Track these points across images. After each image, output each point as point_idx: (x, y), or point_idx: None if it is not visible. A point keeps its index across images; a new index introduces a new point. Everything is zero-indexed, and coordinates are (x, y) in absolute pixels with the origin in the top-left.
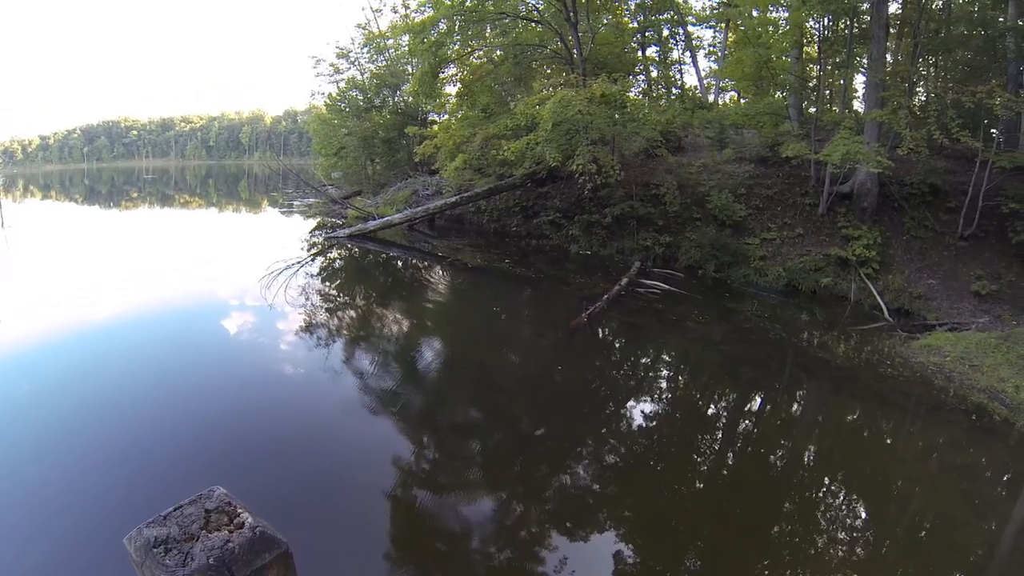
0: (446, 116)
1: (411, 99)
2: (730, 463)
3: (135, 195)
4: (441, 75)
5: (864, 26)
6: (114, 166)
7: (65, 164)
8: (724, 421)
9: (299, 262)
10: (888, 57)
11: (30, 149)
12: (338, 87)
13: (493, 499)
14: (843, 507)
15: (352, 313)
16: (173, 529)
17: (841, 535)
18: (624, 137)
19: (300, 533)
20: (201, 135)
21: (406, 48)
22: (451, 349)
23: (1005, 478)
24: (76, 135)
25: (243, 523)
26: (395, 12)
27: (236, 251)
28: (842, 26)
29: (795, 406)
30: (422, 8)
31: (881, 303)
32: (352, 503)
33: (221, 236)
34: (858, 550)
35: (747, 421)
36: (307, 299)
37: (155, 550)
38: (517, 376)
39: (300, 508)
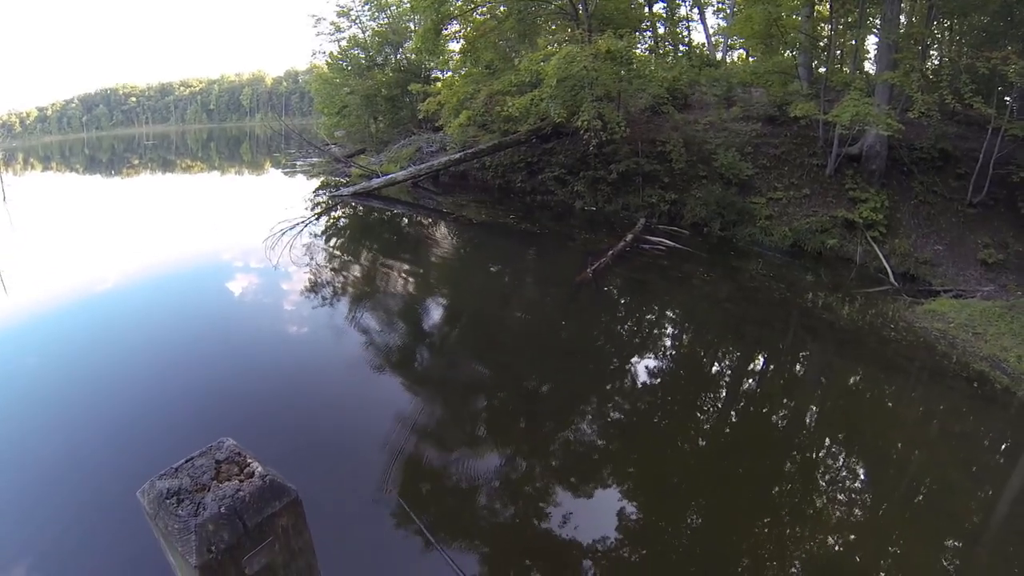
0: (449, 73)
1: (414, 56)
2: (733, 421)
3: (136, 162)
4: (444, 31)
5: None
6: (114, 134)
7: (64, 135)
8: (727, 379)
9: (303, 222)
10: (902, 18)
11: (28, 121)
12: (339, 46)
13: (498, 454)
14: (842, 469)
15: (357, 271)
16: (185, 480)
17: (840, 496)
18: (630, 94)
19: (309, 482)
20: (201, 99)
21: (408, 5)
22: (456, 305)
23: (1004, 447)
24: (74, 105)
25: (253, 472)
26: None
27: (240, 213)
28: None
29: (798, 366)
30: None
31: (887, 267)
32: (359, 454)
33: (224, 199)
34: (856, 511)
35: (750, 380)
36: (312, 258)
37: (167, 501)
38: (522, 332)
39: (309, 458)
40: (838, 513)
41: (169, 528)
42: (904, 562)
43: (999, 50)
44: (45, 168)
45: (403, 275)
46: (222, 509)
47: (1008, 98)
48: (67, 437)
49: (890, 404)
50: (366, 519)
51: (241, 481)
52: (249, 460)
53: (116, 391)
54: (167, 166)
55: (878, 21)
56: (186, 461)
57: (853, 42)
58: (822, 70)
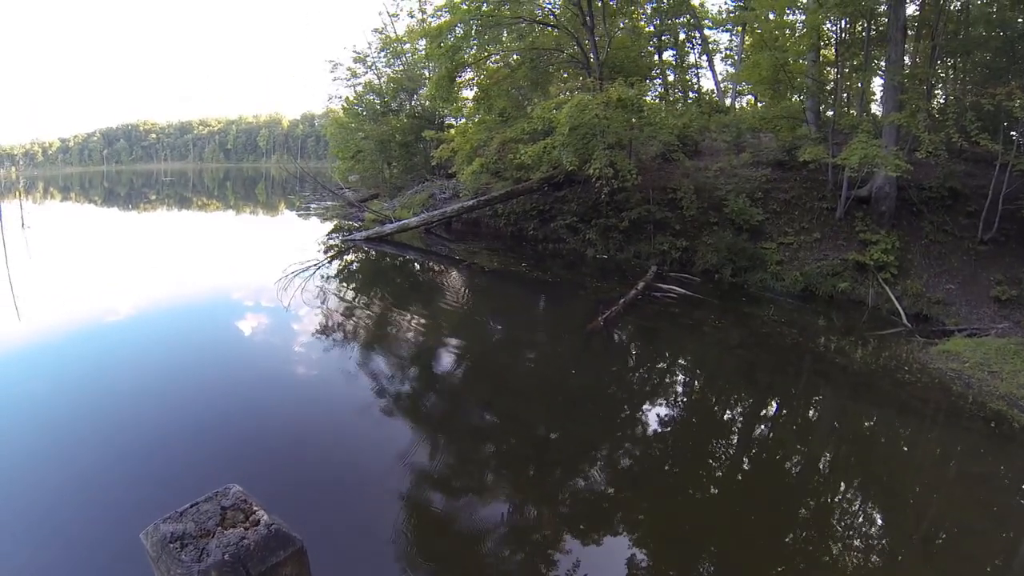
0: (463, 120)
1: (428, 103)
2: (746, 469)
3: (153, 197)
4: (458, 79)
5: (882, 28)
6: (133, 168)
7: (85, 167)
8: (740, 426)
9: (316, 264)
10: (906, 59)
11: (50, 151)
12: (355, 91)
13: (507, 502)
14: (859, 514)
15: (368, 316)
16: (189, 525)
17: (857, 543)
18: (641, 141)
19: (315, 531)
20: (219, 138)
21: (423, 52)
22: (466, 352)
23: (1023, 487)
24: (96, 138)
25: (258, 520)
26: (412, 17)
27: (253, 253)
28: (859, 28)
29: (812, 412)
30: (439, 13)
31: (899, 308)
32: (367, 503)
33: (239, 238)
34: (873, 558)
35: (763, 427)
36: (323, 301)
37: (171, 545)
38: (533, 380)
39: (316, 507)
40: (855, 560)
41: (172, 573)
42: None
43: (1003, 86)
44: (64, 198)
45: (414, 321)
46: (226, 556)
47: (1014, 133)
48: (72, 474)
49: (906, 448)
50: (373, 567)
51: (246, 529)
52: (255, 508)
53: (123, 428)
54: (183, 203)
55: (883, 63)
56: (191, 506)
57: (859, 85)
58: (829, 113)
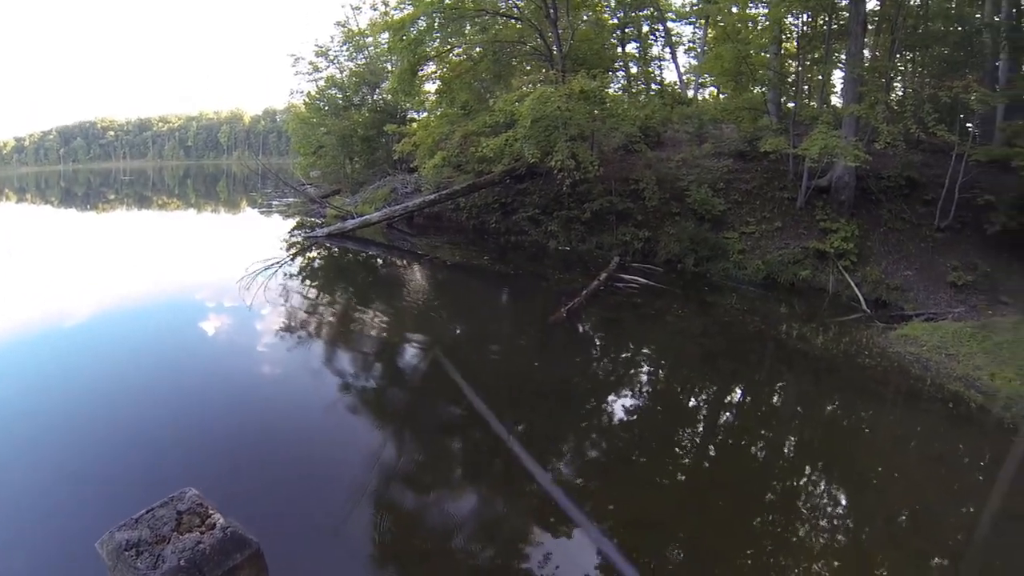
0: (425, 114)
1: (390, 97)
2: (713, 455)
3: (112, 197)
4: (420, 72)
5: (843, 22)
6: (91, 167)
7: (41, 166)
8: (706, 414)
9: (278, 262)
10: (866, 53)
11: (5, 151)
12: (317, 85)
13: (476, 497)
14: (823, 496)
15: (331, 312)
16: (144, 532)
17: (822, 524)
18: (603, 133)
19: (278, 534)
20: (179, 135)
21: (385, 46)
22: (430, 347)
23: (981, 464)
24: (52, 136)
25: (214, 524)
26: (374, 10)
27: (215, 252)
28: (821, 22)
29: (775, 397)
30: (401, 6)
31: (859, 294)
32: (333, 503)
33: (200, 237)
34: (839, 538)
35: (728, 413)
36: (286, 299)
37: (126, 553)
38: (497, 373)
39: (278, 509)
40: (821, 540)
41: None
42: None
43: (960, 79)
44: (20, 199)
45: (376, 317)
46: (181, 562)
47: (970, 125)
48: (27, 481)
49: (867, 429)
50: (340, 568)
51: (202, 533)
52: (211, 511)
53: (79, 434)
54: (143, 202)
55: (843, 56)
56: (147, 511)
57: (820, 77)
58: (791, 105)
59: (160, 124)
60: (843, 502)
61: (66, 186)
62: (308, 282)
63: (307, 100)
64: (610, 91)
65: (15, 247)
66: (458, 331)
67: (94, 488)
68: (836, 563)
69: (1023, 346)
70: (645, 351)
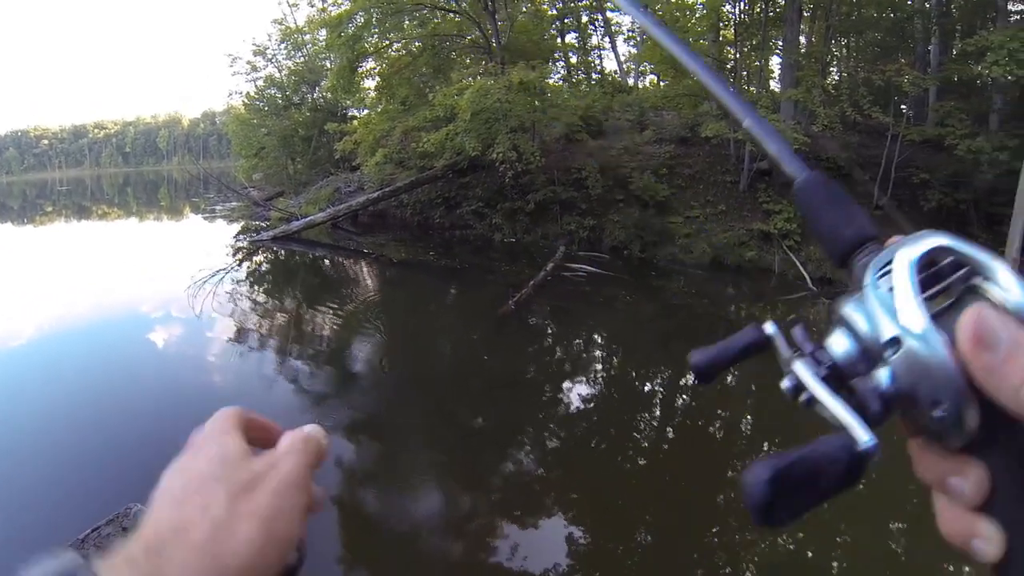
0: (366, 111)
1: (330, 95)
2: (671, 437)
3: (50, 209)
4: (359, 69)
5: (779, 10)
6: (25, 179)
7: None
8: (661, 397)
9: (224, 269)
10: (802, 39)
11: None
12: (256, 85)
13: (438, 494)
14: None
15: (280, 317)
16: (91, 550)
17: None
18: (544, 124)
19: None
20: (116, 141)
21: (323, 43)
22: (380, 346)
23: None
24: None
25: None
26: (311, 6)
27: (160, 262)
28: (758, 10)
29: (728, 377)
30: (339, 2)
31: (804, 273)
32: None
33: (143, 247)
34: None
35: (683, 395)
36: (235, 306)
37: None
38: (450, 368)
39: None
40: None
41: None
42: (853, 550)
43: (893, 63)
44: None
45: (326, 319)
46: None
47: (904, 106)
48: None
49: None
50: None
51: None
52: None
53: (18, 456)
54: (83, 213)
55: (780, 43)
56: (92, 530)
57: (758, 63)
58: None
59: (96, 131)
60: None
61: (0, 199)
62: (256, 287)
63: (246, 101)
64: (550, 82)
65: None
66: (407, 328)
67: (37, 510)
68: (799, 535)
69: None
70: (596, 338)
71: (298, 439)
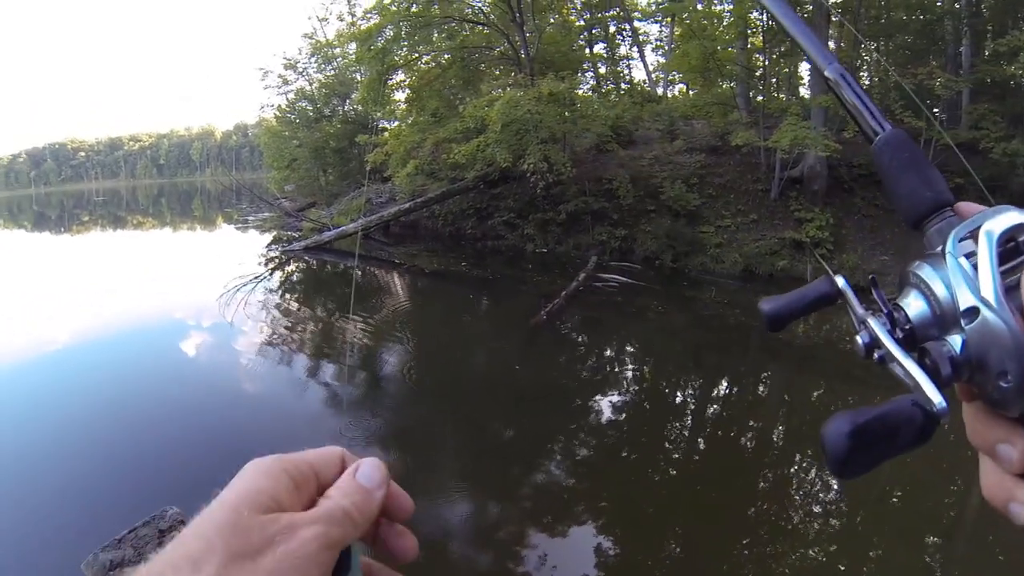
0: (396, 123)
1: (361, 107)
2: (702, 448)
3: (86, 219)
4: (389, 82)
5: (807, 15)
6: (63, 189)
7: (12, 190)
8: (693, 407)
9: (257, 277)
10: (831, 44)
11: None
12: (287, 98)
13: (469, 503)
14: (815, 482)
15: (312, 326)
16: (128, 551)
17: (815, 508)
18: (575, 134)
19: None
20: (151, 153)
21: (353, 56)
22: (413, 356)
23: (969, 447)
24: (22, 159)
25: None
26: (341, 20)
27: (193, 270)
28: None
29: (760, 387)
30: (368, 15)
31: None
32: None
33: (177, 256)
34: (833, 522)
35: (715, 406)
36: (267, 314)
37: (111, 573)
38: (482, 378)
39: None
40: (816, 525)
41: None
42: (886, 564)
43: (924, 66)
44: None
45: (358, 328)
46: None
47: (936, 110)
48: (9, 509)
49: None
50: None
51: None
52: None
53: (60, 459)
54: (118, 223)
55: None
56: (129, 531)
57: (787, 70)
58: (759, 98)
59: (131, 143)
60: (834, 486)
61: (39, 209)
62: (288, 296)
63: (277, 114)
64: (580, 92)
65: None
66: (439, 338)
67: (76, 511)
68: (832, 546)
69: None
70: (628, 349)
71: (344, 501)
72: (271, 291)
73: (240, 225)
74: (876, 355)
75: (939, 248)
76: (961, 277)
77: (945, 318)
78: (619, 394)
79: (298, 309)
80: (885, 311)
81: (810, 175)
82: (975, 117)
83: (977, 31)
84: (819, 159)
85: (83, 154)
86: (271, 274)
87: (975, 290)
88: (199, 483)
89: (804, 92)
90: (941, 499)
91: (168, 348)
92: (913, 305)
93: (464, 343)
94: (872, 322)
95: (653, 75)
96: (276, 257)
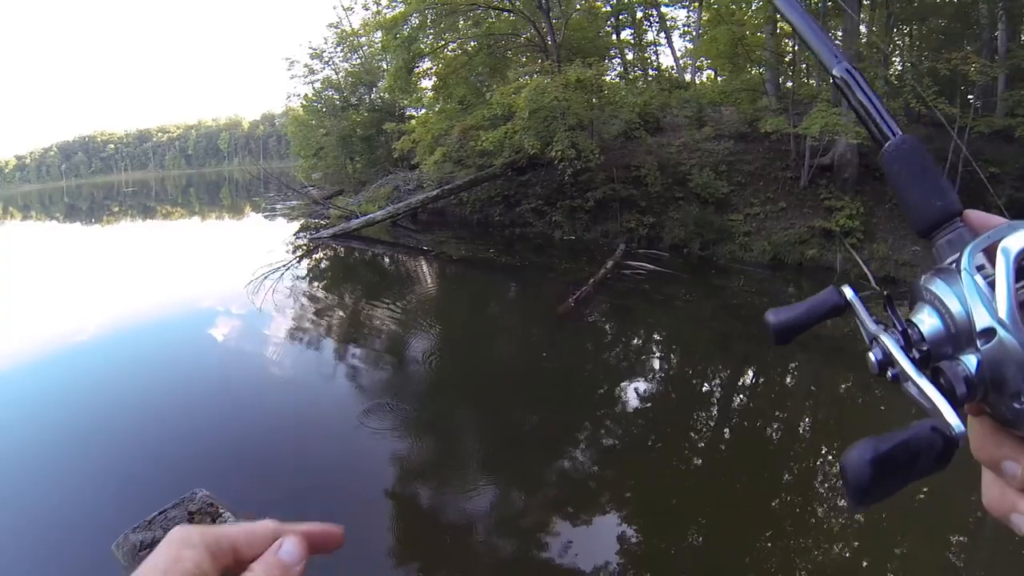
0: (423, 110)
1: (387, 95)
2: (727, 438)
3: (116, 209)
4: (416, 69)
5: None
6: (93, 181)
7: (44, 183)
8: (719, 397)
9: (285, 265)
10: (862, 28)
11: (7, 170)
12: (313, 88)
13: (494, 490)
14: (840, 477)
15: (340, 313)
16: (158, 532)
17: (841, 502)
18: (602, 121)
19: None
20: (179, 144)
21: (379, 45)
22: (440, 343)
23: None
24: (53, 153)
25: (226, 521)
26: (366, 9)
27: (222, 258)
28: (816, 0)
29: (788, 378)
30: (393, 4)
31: (867, 272)
32: (348, 502)
33: (206, 244)
34: (857, 518)
35: (742, 396)
36: (295, 301)
37: (141, 553)
38: (509, 365)
39: (292, 509)
40: (840, 520)
41: None
42: (910, 562)
43: (958, 51)
44: (25, 217)
45: (385, 315)
46: None
47: (971, 97)
48: (43, 492)
49: (882, 407)
50: (359, 565)
51: None
52: (222, 510)
53: (92, 443)
54: (148, 213)
55: (840, 33)
56: (159, 513)
57: None
58: (789, 84)
59: (159, 134)
60: None
61: (70, 201)
62: (316, 283)
63: (304, 103)
64: (607, 79)
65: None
66: (466, 325)
67: (108, 495)
68: (856, 541)
69: None
70: (656, 337)
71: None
72: (299, 278)
73: (268, 213)
74: (890, 373)
75: (949, 261)
76: (977, 295)
77: (959, 336)
78: (646, 382)
79: (326, 296)
80: (899, 328)
81: (840, 163)
82: (1011, 104)
83: (1013, 15)
84: (850, 147)
85: (112, 146)
86: (299, 261)
87: (992, 310)
88: (229, 468)
89: None
90: (967, 497)
91: (197, 334)
92: (927, 322)
93: (492, 329)
94: (886, 339)
95: (681, 61)
96: (304, 245)
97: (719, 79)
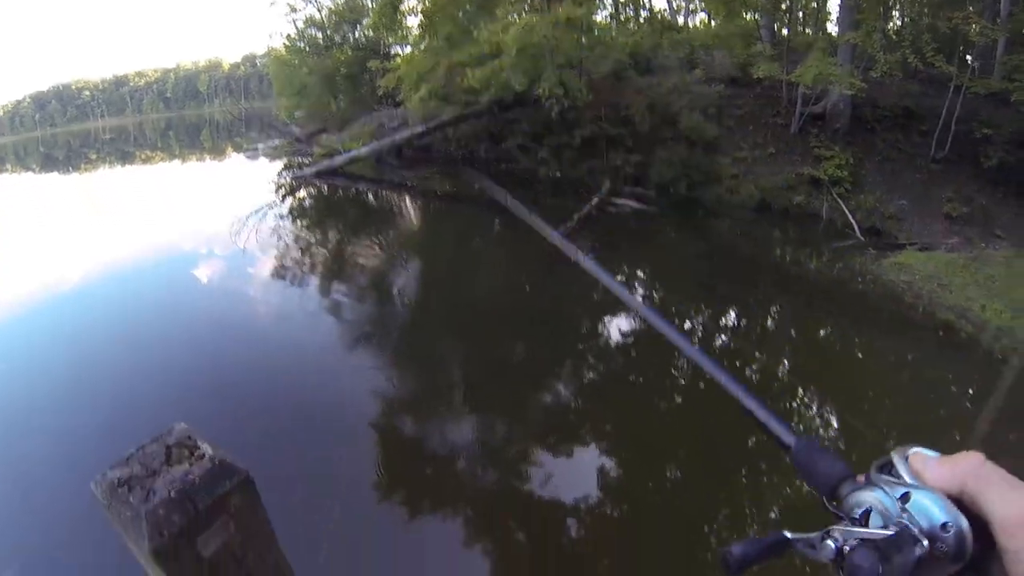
0: (409, 48)
1: (372, 33)
2: (706, 377)
3: (94, 157)
4: (401, 6)
5: None
6: (69, 130)
7: (17, 135)
8: (702, 335)
9: (268, 204)
10: None
11: None
12: (296, 27)
13: (476, 422)
14: (816, 418)
15: (323, 251)
16: (136, 468)
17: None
18: (592, 61)
19: (268, 464)
20: (157, 88)
21: None
22: (424, 279)
23: (970, 391)
24: (26, 104)
25: (203, 455)
26: None
27: (203, 199)
28: None
29: (769, 321)
30: None
31: (853, 222)
32: (334, 435)
33: (188, 187)
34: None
35: (724, 336)
36: (278, 240)
37: (120, 490)
38: (493, 301)
39: (270, 442)
40: None
41: (123, 516)
42: None
43: (960, 10)
44: None
45: (370, 252)
46: (172, 493)
47: (969, 56)
48: (23, 435)
49: (860, 355)
50: (346, 497)
51: (191, 464)
52: (200, 443)
53: (73, 385)
54: (126, 158)
55: None
56: (137, 449)
57: (815, 3)
58: (785, 32)
59: (137, 79)
60: (835, 423)
61: (45, 151)
62: (299, 222)
63: (287, 42)
64: (598, 19)
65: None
66: (452, 262)
67: (88, 431)
68: None
69: (1015, 280)
70: (640, 274)
71: None
72: (282, 217)
73: (250, 153)
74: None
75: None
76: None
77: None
78: (628, 320)
79: (309, 235)
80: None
81: (832, 112)
82: (1009, 68)
83: None
84: (843, 97)
85: (88, 93)
86: (282, 201)
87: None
88: (210, 404)
89: (832, 28)
90: (939, 444)
91: (178, 276)
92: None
93: (476, 266)
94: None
95: (675, 3)
96: (287, 184)
97: (713, 23)
